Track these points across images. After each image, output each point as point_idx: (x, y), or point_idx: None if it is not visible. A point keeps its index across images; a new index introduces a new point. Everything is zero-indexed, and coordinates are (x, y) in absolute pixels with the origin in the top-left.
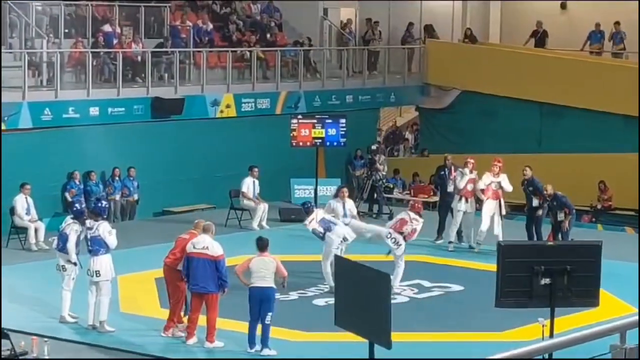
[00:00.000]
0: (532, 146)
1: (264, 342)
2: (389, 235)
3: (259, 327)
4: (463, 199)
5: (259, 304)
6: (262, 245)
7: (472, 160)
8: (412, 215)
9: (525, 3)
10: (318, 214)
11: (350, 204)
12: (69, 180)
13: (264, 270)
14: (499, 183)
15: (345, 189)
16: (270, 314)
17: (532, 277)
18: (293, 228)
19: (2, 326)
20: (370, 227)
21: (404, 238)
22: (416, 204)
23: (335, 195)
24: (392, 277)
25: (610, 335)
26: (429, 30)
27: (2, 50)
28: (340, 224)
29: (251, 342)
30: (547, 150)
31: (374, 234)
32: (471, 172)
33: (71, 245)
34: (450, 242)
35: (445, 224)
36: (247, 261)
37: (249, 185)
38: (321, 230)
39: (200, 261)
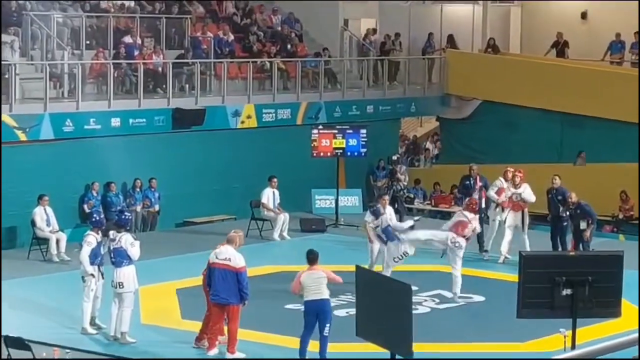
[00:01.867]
0: (553, 156)
1: (322, 353)
2: (452, 240)
3: (310, 338)
4: (499, 208)
5: (315, 316)
6: (311, 258)
7: (511, 170)
8: (470, 215)
9: (546, 13)
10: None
11: (389, 211)
12: (86, 191)
13: (315, 284)
14: (520, 194)
15: (386, 197)
16: (328, 325)
17: (553, 288)
18: (314, 238)
19: (24, 337)
20: (430, 234)
21: (465, 239)
22: (472, 204)
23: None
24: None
25: (630, 347)
26: (452, 40)
27: (24, 62)
28: (404, 239)
29: (302, 354)
30: (568, 160)
31: (434, 240)
32: (516, 186)
33: (83, 256)
34: (485, 251)
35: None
36: (298, 277)
37: (269, 196)
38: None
39: (222, 272)
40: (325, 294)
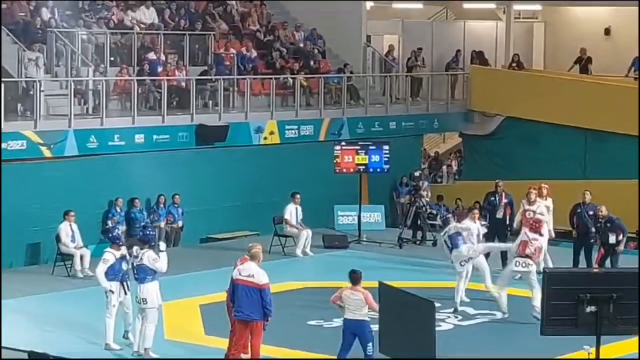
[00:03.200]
0: (576, 172)
1: None
2: (519, 263)
3: (346, 357)
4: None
5: (351, 336)
6: (354, 278)
7: (546, 186)
8: (531, 235)
9: (569, 29)
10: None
11: (478, 224)
12: (110, 207)
13: (352, 304)
14: (534, 212)
15: (477, 211)
16: (369, 345)
17: (577, 305)
18: (336, 254)
19: (49, 353)
20: (504, 246)
21: (530, 258)
22: (534, 223)
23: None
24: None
25: None
26: (481, 56)
27: (49, 79)
28: (466, 243)
29: None
30: (592, 176)
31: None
32: (545, 199)
33: (98, 273)
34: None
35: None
36: (340, 291)
37: (292, 212)
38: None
39: (246, 289)
40: (360, 315)
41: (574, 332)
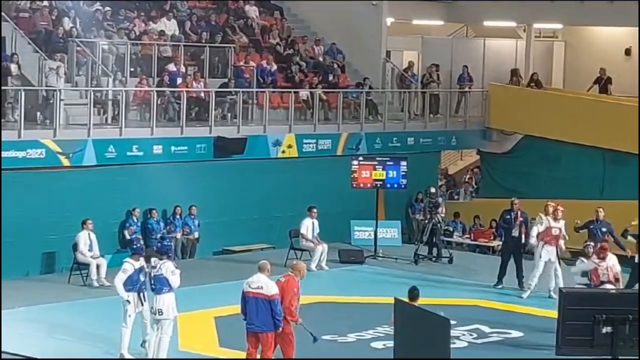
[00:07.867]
0: (594, 193)
1: None
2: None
3: None
4: (546, 246)
5: None
6: (415, 294)
7: (561, 209)
8: (598, 261)
9: (589, 49)
10: None
11: (613, 260)
12: (127, 217)
13: None
14: (560, 229)
15: (590, 245)
16: None
17: (593, 326)
18: (352, 269)
19: None
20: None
21: (612, 283)
22: (601, 250)
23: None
24: None
25: None
26: (517, 74)
27: (69, 88)
28: None
29: None
30: (610, 197)
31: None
32: (557, 220)
33: (116, 282)
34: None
35: (506, 270)
36: None
37: (308, 227)
38: None
39: (256, 301)
40: None
41: (590, 352)
